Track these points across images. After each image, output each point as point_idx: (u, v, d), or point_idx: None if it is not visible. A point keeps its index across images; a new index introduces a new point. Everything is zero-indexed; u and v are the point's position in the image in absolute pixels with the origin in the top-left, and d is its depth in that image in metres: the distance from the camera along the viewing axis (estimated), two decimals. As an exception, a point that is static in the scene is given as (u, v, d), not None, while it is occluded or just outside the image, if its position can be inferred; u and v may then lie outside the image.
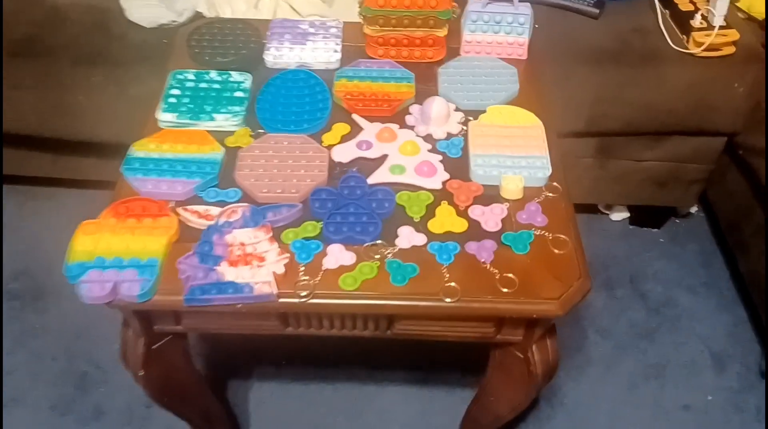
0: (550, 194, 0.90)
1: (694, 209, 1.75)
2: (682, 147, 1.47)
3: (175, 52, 1.11)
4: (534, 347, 0.88)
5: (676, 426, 1.35)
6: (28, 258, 1.60)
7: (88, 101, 1.34)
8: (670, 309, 1.55)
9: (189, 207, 0.86)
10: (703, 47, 1.28)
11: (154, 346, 0.90)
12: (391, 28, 1.08)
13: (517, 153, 0.94)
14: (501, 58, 1.10)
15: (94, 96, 1.33)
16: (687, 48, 1.31)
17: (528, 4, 1.09)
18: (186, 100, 1.00)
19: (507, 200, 0.89)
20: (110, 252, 0.80)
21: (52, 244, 1.76)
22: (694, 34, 1.29)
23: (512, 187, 0.89)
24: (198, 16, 1.34)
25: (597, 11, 1.38)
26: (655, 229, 1.72)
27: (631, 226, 1.72)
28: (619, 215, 1.73)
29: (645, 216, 1.71)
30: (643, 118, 1.39)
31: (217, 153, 0.93)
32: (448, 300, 0.78)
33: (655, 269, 1.63)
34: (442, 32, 1.08)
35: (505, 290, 0.79)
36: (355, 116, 1.01)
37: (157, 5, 1.31)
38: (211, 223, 0.84)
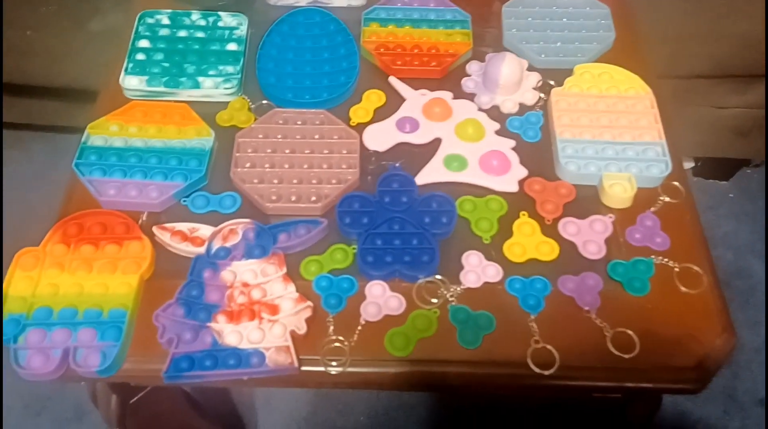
0: (669, 199, 0.65)
1: (767, 157, 1.50)
2: (775, 92, 1.20)
3: (142, -17, 0.82)
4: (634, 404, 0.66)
5: (752, 423, 1.17)
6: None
7: (38, 38, 1.05)
8: (742, 280, 1.33)
9: (168, 224, 0.61)
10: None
11: (132, 401, 0.68)
12: (440, -50, 0.78)
13: (621, 138, 0.68)
14: (583, -9, 0.82)
15: (46, 31, 1.04)
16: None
17: None
18: (159, 56, 0.72)
19: (611, 210, 0.64)
20: (57, 300, 0.56)
21: (19, 202, 1.55)
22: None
23: (619, 192, 0.64)
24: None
25: None
26: (724, 182, 1.47)
27: (695, 178, 1.48)
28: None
29: (712, 166, 1.46)
30: (739, 57, 1.11)
31: (205, 139, 0.67)
32: (538, 370, 0.55)
33: (725, 231, 1.40)
34: (509, -45, 0.79)
35: (618, 353, 0.56)
36: (392, 80, 0.73)
37: None
38: (201, 249, 0.60)
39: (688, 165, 1.48)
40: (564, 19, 0.78)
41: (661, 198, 0.65)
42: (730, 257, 1.36)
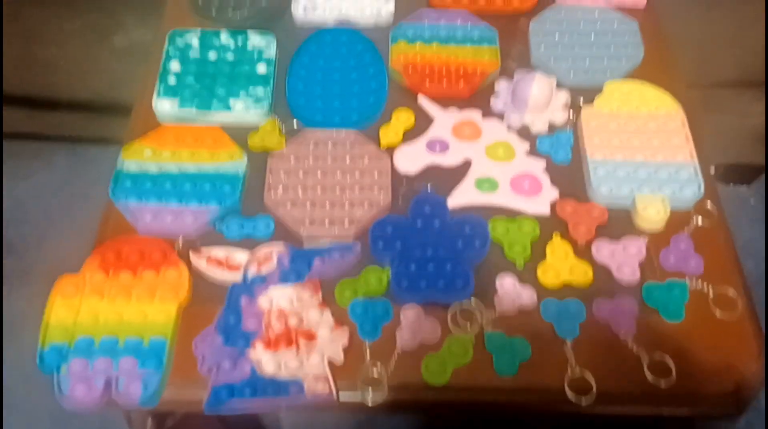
0: (703, 221, 0.65)
1: (789, 161, 1.49)
2: (800, 97, 1.19)
3: (170, 2, 0.82)
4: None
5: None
6: (13, 230, 1.36)
7: (63, 53, 1.06)
8: (765, 289, 1.32)
9: (204, 249, 0.62)
10: None
11: (167, 425, 0.68)
12: (467, -32, 0.78)
13: (653, 159, 0.68)
14: (610, 6, 0.81)
15: (70, 47, 1.05)
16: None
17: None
18: (190, 78, 0.73)
19: (644, 232, 0.64)
20: (98, 328, 0.57)
21: (40, 212, 1.55)
22: None
23: (652, 215, 0.64)
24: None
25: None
26: (744, 187, 1.47)
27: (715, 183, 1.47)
28: (702, 170, 1.47)
29: (733, 171, 1.45)
30: (762, 66, 1.10)
31: (238, 162, 0.67)
32: (576, 398, 0.55)
33: (746, 239, 1.38)
34: (537, -28, 0.79)
35: (655, 380, 0.56)
36: (421, 99, 0.74)
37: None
38: (237, 275, 0.60)
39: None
40: (592, 36, 0.77)
41: (694, 219, 0.65)
42: (751, 266, 1.35)
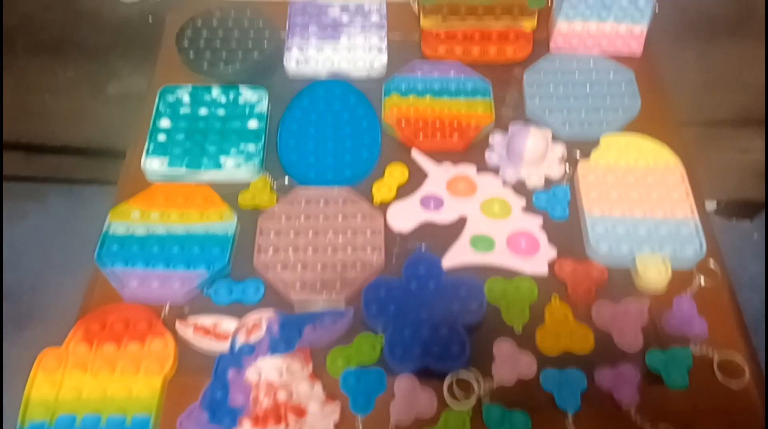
0: (705, 280, 0.63)
1: (792, 195, 1.47)
2: (801, 133, 1.18)
3: (162, 56, 0.81)
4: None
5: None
6: (9, 273, 1.35)
7: (57, 102, 1.05)
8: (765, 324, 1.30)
9: (191, 318, 0.60)
10: None
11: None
12: (459, 20, 0.77)
13: (652, 214, 0.66)
14: (606, 55, 0.80)
15: (64, 96, 1.05)
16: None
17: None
18: (180, 136, 0.72)
19: (645, 293, 0.62)
20: (80, 404, 0.55)
21: (37, 254, 1.54)
22: None
23: (654, 276, 0.62)
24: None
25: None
26: (747, 222, 1.45)
27: (717, 218, 1.45)
28: (704, 205, 1.45)
29: (735, 206, 1.44)
30: (761, 104, 1.09)
31: (228, 222, 0.66)
32: (578, 474, 0.53)
33: (750, 274, 1.36)
34: (530, 25, 0.78)
35: (659, 453, 0.54)
36: (414, 154, 0.72)
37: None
38: (224, 345, 0.58)
39: (711, 206, 1.45)
40: (587, 87, 0.76)
41: (697, 279, 0.63)
42: (756, 301, 1.32)
